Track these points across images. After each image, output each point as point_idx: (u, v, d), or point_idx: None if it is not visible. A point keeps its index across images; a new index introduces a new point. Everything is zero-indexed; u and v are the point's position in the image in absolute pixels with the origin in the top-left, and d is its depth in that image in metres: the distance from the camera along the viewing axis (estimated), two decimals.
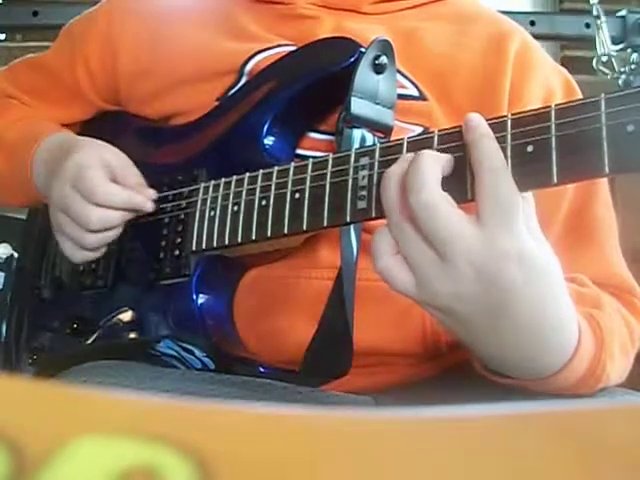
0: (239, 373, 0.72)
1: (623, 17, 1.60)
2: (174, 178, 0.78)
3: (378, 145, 0.61)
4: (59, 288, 0.88)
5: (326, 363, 0.68)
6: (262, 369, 0.72)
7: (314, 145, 0.75)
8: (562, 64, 0.91)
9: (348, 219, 0.61)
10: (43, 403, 0.19)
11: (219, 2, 0.87)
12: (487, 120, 0.55)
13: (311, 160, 0.65)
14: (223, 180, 0.72)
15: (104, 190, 0.74)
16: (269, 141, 0.75)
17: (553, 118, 0.53)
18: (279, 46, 0.79)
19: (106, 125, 0.90)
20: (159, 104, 0.83)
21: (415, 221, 0.53)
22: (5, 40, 1.74)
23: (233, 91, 0.79)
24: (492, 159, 0.52)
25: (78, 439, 0.17)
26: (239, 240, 0.69)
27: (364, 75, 0.71)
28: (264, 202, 0.67)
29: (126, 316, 0.78)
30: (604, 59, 1.55)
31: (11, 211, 1.19)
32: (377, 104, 0.72)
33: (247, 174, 0.70)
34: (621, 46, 1.57)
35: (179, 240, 0.75)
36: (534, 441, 0.18)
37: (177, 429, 0.18)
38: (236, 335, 0.74)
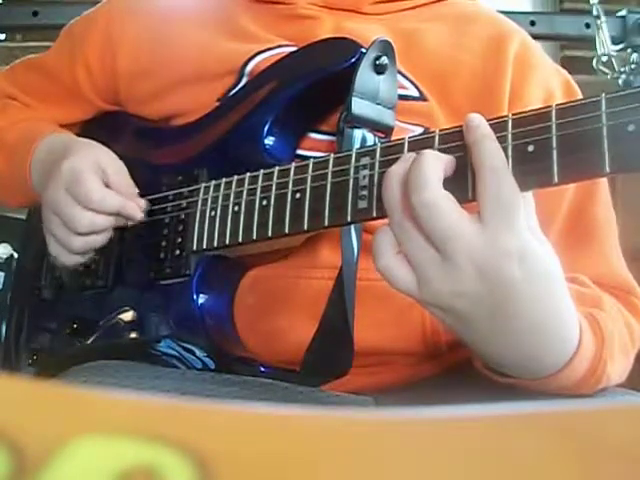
0: (239, 373, 0.72)
1: (623, 17, 1.60)
2: (174, 178, 0.78)
3: (379, 145, 0.61)
4: (59, 288, 0.88)
5: (326, 363, 0.68)
6: (262, 369, 0.72)
7: (315, 145, 0.75)
8: (562, 64, 0.91)
9: (349, 219, 0.61)
10: (43, 403, 0.19)
11: (219, 2, 0.87)
12: (488, 120, 0.55)
13: (312, 160, 0.65)
14: (224, 180, 0.72)
15: (98, 195, 0.74)
16: (270, 141, 0.75)
17: (554, 118, 0.53)
18: (279, 46, 0.79)
19: (106, 125, 0.90)
20: (159, 104, 0.83)
21: (417, 220, 0.53)
22: (5, 40, 1.74)
23: (234, 92, 0.79)
24: (493, 159, 0.52)
25: (78, 439, 0.17)
26: (240, 240, 0.69)
27: (365, 75, 0.71)
28: (265, 202, 0.67)
29: (126, 316, 0.78)
30: (604, 59, 1.55)
31: (11, 211, 1.19)
32: (378, 104, 0.72)
33: (248, 174, 0.70)
34: (621, 46, 1.57)
35: (180, 240, 0.75)
36: (534, 441, 0.18)
37: (177, 429, 0.18)
38: (236, 335, 0.74)
